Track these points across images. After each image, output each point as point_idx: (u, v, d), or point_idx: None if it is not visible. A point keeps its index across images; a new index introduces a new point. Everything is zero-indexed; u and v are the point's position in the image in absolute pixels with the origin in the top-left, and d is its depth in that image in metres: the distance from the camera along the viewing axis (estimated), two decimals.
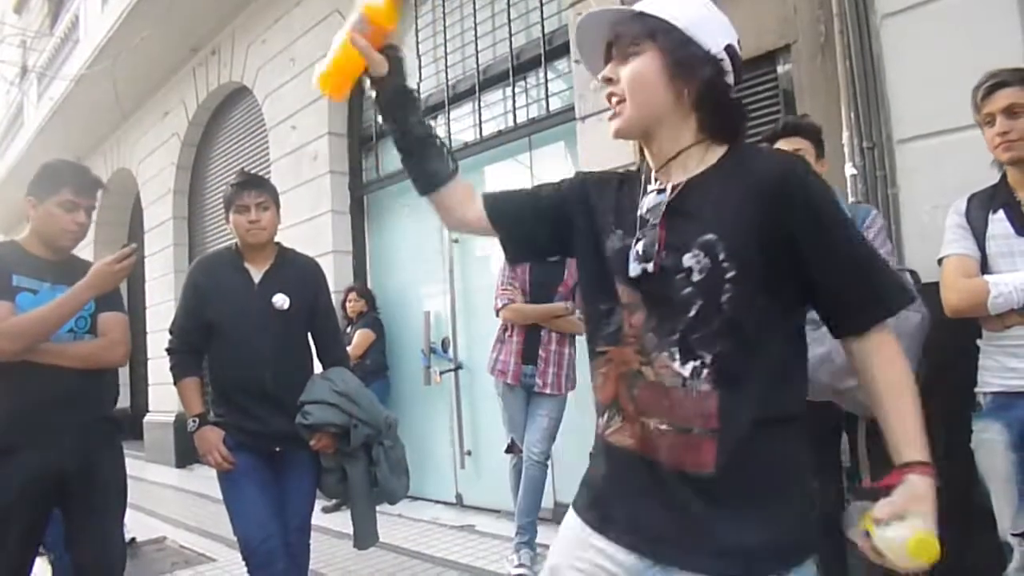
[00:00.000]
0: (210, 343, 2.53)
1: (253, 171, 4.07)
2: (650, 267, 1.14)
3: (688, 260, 1.10)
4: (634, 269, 1.16)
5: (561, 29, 4.29)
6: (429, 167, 1.33)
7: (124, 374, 7.19)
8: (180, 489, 6.67)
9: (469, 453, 4.87)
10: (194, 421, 2.48)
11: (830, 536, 2.33)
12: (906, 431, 1.06)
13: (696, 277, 1.09)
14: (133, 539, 4.56)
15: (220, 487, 2.50)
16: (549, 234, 1.34)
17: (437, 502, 5.10)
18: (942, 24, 2.61)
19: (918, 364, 2.11)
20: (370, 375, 4.90)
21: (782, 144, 2.38)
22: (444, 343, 5.11)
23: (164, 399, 8.09)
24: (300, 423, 2.42)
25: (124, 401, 7.06)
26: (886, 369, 1.09)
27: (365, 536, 2.64)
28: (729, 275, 1.07)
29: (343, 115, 5.98)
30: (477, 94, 4.96)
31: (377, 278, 5.89)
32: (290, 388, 2.46)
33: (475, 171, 4.77)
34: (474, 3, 4.96)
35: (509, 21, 4.69)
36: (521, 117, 4.67)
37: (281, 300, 2.51)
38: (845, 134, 2.84)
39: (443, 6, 5.21)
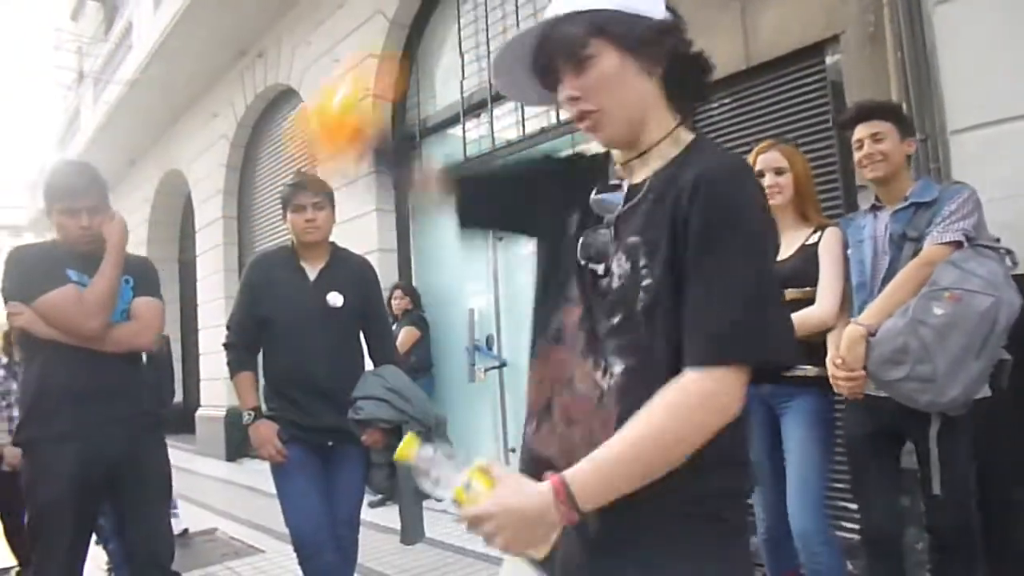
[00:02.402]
0: (265, 339, 2.59)
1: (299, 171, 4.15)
2: (592, 265, 1.07)
3: (615, 262, 1.03)
4: (580, 263, 1.09)
5: None
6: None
7: (177, 370, 7.38)
8: (230, 482, 6.83)
9: (513, 450, 4.88)
10: (249, 414, 2.55)
11: (887, 560, 2.19)
12: (597, 454, 0.93)
13: (616, 283, 1.02)
14: (186, 530, 4.69)
15: (273, 479, 2.55)
16: (513, 201, 1.25)
17: None
18: (996, 11, 2.54)
19: (990, 360, 1.94)
20: (415, 372, 4.95)
21: (860, 130, 2.22)
22: (488, 340, 5.14)
23: (215, 394, 8.28)
24: (352, 418, 2.45)
25: (176, 396, 7.26)
26: (654, 407, 0.92)
27: (412, 532, 2.65)
28: (645, 283, 0.98)
29: (387, 114, 6.03)
30: None
31: (422, 276, 5.95)
32: (342, 384, 2.49)
33: None
34: (516, 1, 4.96)
35: None
36: (564, 114, 4.63)
37: (335, 298, 2.56)
38: None
39: (485, 4, 5.23)
